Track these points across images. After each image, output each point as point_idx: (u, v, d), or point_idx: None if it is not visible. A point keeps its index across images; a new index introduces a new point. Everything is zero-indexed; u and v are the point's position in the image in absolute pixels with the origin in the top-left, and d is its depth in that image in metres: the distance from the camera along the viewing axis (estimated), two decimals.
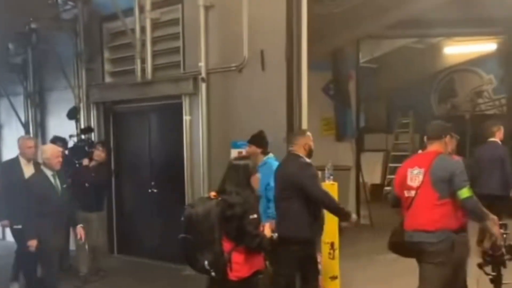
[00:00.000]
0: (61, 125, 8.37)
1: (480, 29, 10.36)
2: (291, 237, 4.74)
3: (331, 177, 5.81)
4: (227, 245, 4.00)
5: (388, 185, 12.87)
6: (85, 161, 7.01)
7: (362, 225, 9.43)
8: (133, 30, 7.50)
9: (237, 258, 4.02)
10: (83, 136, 7.73)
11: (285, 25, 6.15)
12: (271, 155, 5.82)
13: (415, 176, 4.34)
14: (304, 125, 6.19)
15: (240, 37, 6.44)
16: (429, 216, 4.22)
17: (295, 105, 6.17)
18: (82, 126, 8.20)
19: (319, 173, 7.24)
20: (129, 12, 7.48)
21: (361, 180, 10.09)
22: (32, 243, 5.39)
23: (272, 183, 5.45)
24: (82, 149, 7.37)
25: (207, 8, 6.74)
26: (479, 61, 12.68)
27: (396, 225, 4.55)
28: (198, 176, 6.96)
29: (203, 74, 6.80)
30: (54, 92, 9.00)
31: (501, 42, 11.26)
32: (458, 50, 12.54)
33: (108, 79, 8.34)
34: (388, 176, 12.97)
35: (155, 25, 7.39)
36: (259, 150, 5.77)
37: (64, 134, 7.66)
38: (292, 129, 6.12)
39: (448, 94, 13.47)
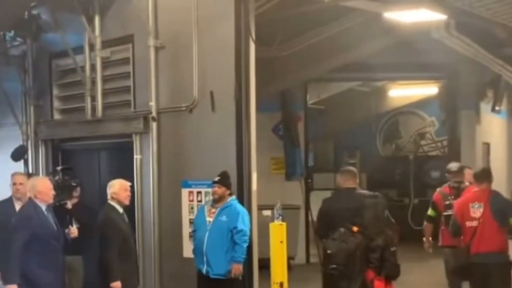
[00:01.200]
0: (7, 163, 8.16)
1: (422, 74, 10.85)
2: None
3: (280, 217, 5.87)
4: (370, 274, 4.87)
5: None
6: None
7: (311, 263, 9.49)
8: (83, 68, 7.48)
9: (378, 285, 4.88)
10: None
11: (234, 67, 6.28)
12: (234, 196, 5.83)
13: (476, 209, 5.64)
14: (253, 165, 6.28)
15: (190, 77, 6.53)
16: (497, 241, 5.51)
17: (244, 145, 6.26)
18: (30, 165, 8.02)
19: (269, 212, 7.33)
20: (79, 49, 7.49)
21: (310, 218, 10.20)
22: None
23: (239, 227, 5.46)
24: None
25: (157, 49, 6.82)
26: (421, 104, 13.21)
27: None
28: (149, 214, 6.89)
29: (154, 113, 6.83)
30: (1, 128, 8.81)
31: (442, 86, 11.79)
32: (402, 93, 13.05)
33: (57, 116, 8.25)
34: None
35: (106, 63, 7.41)
36: (228, 192, 5.77)
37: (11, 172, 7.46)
38: (242, 169, 6.20)
39: (393, 136, 13.91)
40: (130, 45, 7.21)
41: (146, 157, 6.97)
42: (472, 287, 5.86)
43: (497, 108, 12.80)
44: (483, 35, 9.10)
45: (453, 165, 6.93)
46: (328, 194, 14.05)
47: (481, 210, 5.61)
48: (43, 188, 5.17)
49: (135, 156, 7.09)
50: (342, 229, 4.97)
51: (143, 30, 6.84)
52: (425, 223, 6.77)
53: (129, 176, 7.07)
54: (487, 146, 12.84)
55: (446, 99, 11.64)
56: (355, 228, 4.89)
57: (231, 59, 6.27)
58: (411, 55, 9.71)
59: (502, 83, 12.41)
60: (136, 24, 6.98)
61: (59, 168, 7.06)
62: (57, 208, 5.75)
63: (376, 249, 4.90)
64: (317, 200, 11.78)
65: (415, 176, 12.86)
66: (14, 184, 6.05)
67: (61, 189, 6.16)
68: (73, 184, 6.38)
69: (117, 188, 5.43)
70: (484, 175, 5.94)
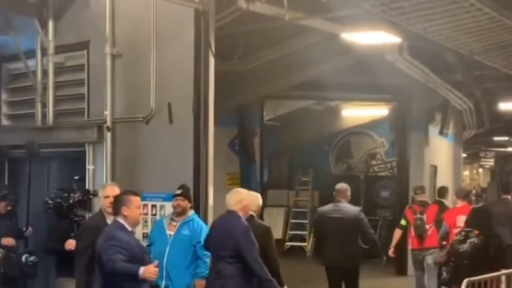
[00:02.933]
0: None
1: (375, 95, 11.08)
2: None
3: None
4: None
5: (290, 240, 13.07)
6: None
7: None
8: (34, 73, 7.25)
9: None
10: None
11: (192, 79, 6.23)
12: (193, 211, 5.69)
13: (462, 220, 6.76)
14: (210, 179, 6.20)
15: (148, 88, 6.43)
16: None
17: (202, 160, 6.19)
18: None
19: None
20: (31, 53, 7.25)
21: None
22: None
23: (203, 241, 5.28)
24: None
25: (114, 57, 6.68)
26: (372, 125, 13.48)
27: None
28: None
29: (108, 123, 6.66)
30: None
31: (393, 108, 12.07)
32: (354, 113, 13.29)
33: (5, 122, 7.95)
34: (289, 232, 13.16)
35: (59, 69, 7.18)
36: (190, 205, 5.60)
37: None
38: (199, 183, 6.11)
39: (345, 155, 14.12)
40: (85, 52, 7.02)
41: (99, 168, 6.78)
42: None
43: (444, 131, 13.21)
44: (434, 59, 9.40)
45: (419, 187, 8.61)
46: (281, 211, 14.07)
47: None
48: None
49: (87, 167, 6.88)
50: None
51: (99, 37, 6.69)
52: (396, 230, 8.26)
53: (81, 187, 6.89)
54: (434, 168, 13.19)
55: (396, 120, 11.91)
56: None
57: (190, 72, 6.21)
58: (365, 76, 9.91)
59: (450, 107, 12.84)
60: (93, 30, 6.82)
61: None
62: None
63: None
64: (270, 216, 11.84)
65: (365, 195, 13.06)
66: (107, 197, 5.08)
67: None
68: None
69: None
70: (464, 194, 7.89)
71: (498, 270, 5.61)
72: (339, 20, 6.93)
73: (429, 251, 7.88)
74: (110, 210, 4.80)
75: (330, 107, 13.20)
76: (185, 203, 5.56)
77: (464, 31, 6.98)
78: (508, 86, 11.37)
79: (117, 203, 4.45)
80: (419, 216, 7.94)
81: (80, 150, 6.96)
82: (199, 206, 6.02)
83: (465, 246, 5.74)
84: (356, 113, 13.24)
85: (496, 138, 20.58)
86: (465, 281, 5.05)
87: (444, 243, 7.31)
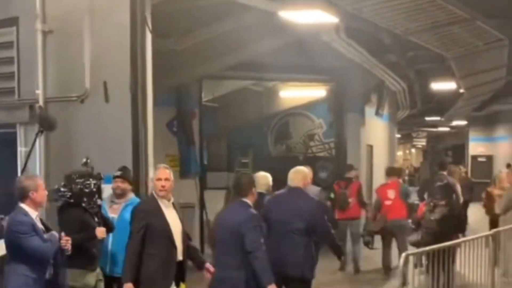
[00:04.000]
0: None
1: (312, 76, 11.22)
2: None
3: None
4: None
5: None
6: None
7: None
8: None
9: None
10: None
11: (129, 57, 6.09)
12: (133, 194, 5.55)
13: (391, 193, 8.84)
14: (150, 161, 6.11)
15: (82, 66, 6.24)
16: (403, 212, 8.71)
17: (141, 141, 6.08)
18: None
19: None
20: None
21: (204, 217, 10.15)
22: None
23: None
24: None
25: (45, 33, 6.43)
26: (310, 106, 13.66)
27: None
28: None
29: (41, 103, 6.44)
30: None
31: (330, 89, 12.28)
32: (292, 94, 13.41)
33: None
34: None
35: None
36: (130, 187, 5.48)
37: None
38: (138, 165, 6.00)
39: (283, 136, 14.25)
40: (14, 28, 6.73)
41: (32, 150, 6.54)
42: (384, 241, 8.95)
43: (380, 111, 13.60)
44: (369, 40, 9.62)
45: (347, 165, 10.02)
46: (222, 193, 14.12)
47: (394, 194, 8.79)
48: None
49: (19, 149, 6.64)
50: None
51: (29, 13, 6.42)
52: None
53: (12, 171, 6.64)
54: (370, 148, 13.58)
55: (333, 102, 12.13)
56: None
57: (126, 49, 6.08)
58: (302, 57, 10.02)
59: (385, 88, 13.22)
60: (22, 6, 6.56)
61: None
62: None
63: None
64: (211, 199, 11.85)
65: None
66: (159, 179, 4.85)
67: None
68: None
69: None
70: (393, 172, 9.37)
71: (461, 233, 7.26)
72: None
73: (351, 221, 9.04)
74: (162, 193, 4.83)
75: (268, 88, 13.27)
76: (125, 185, 5.45)
77: (399, 10, 7.19)
78: (440, 67, 11.82)
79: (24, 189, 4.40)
80: (342, 190, 9.12)
81: (10, 131, 6.69)
82: (139, 189, 5.94)
83: (435, 215, 6.77)
84: (295, 94, 13.38)
85: (427, 118, 21.39)
86: (403, 255, 5.37)
87: (377, 214, 8.85)
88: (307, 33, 8.37)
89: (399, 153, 31.97)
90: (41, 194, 4.47)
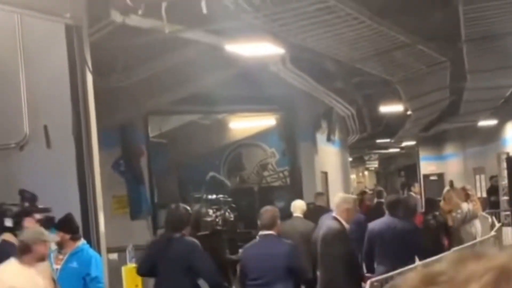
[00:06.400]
0: None
1: (260, 106, 11.30)
2: None
3: (134, 259, 5.58)
4: None
5: None
6: None
7: None
8: None
9: None
10: None
11: (70, 99, 5.94)
12: (83, 241, 5.40)
13: None
14: (100, 205, 5.93)
15: (19, 111, 6.03)
16: None
17: (88, 184, 5.90)
18: None
19: (115, 255, 6.92)
20: None
21: None
22: None
23: (93, 273, 5.05)
24: None
25: None
26: (262, 136, 13.68)
27: None
28: None
29: None
30: None
31: (280, 118, 12.37)
32: (242, 125, 13.42)
33: None
34: None
35: None
36: (67, 237, 5.34)
37: None
38: (87, 210, 5.82)
39: (236, 168, 14.18)
40: None
41: None
42: None
43: (331, 138, 13.78)
44: (316, 68, 9.78)
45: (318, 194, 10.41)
46: None
47: None
48: None
49: None
50: None
51: None
52: None
53: None
54: (325, 174, 13.69)
55: (284, 130, 12.21)
56: None
57: (67, 91, 5.92)
58: (250, 87, 10.08)
59: (334, 114, 13.43)
60: None
61: None
62: None
63: None
64: None
65: (260, 207, 13.16)
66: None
67: None
68: None
69: None
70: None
71: None
72: (221, 32, 6.98)
73: None
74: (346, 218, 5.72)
75: (217, 121, 13.23)
76: (60, 235, 5.34)
77: (342, 40, 7.32)
78: (387, 91, 12.12)
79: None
80: None
81: None
82: (89, 234, 5.75)
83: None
84: (245, 124, 13.39)
85: (378, 141, 21.84)
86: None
87: None
88: (254, 64, 8.43)
89: (353, 176, 32.41)
90: None
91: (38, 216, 5.13)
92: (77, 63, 5.89)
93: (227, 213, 8.06)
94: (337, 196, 6.10)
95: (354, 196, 7.54)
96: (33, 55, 6.02)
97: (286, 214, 10.14)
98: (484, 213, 12.53)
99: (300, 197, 11.49)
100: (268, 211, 5.50)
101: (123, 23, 6.09)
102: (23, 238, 4.59)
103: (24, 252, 4.45)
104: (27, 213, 5.11)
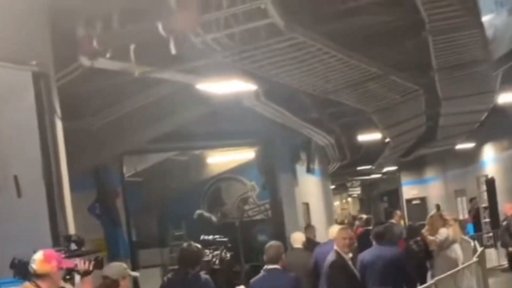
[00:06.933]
0: None
1: (237, 140, 11.30)
2: None
3: None
4: None
5: None
6: None
7: None
8: None
9: None
10: None
11: (39, 147, 5.88)
12: None
13: None
14: None
15: None
16: None
17: (62, 233, 5.81)
18: None
19: None
20: None
21: None
22: None
23: None
24: None
25: None
26: (241, 169, 13.66)
27: None
28: None
29: None
30: None
31: (258, 151, 12.37)
32: (221, 159, 13.40)
33: None
34: None
35: None
36: None
37: None
38: None
39: (217, 203, 14.10)
40: None
41: None
42: None
43: (311, 168, 13.81)
44: (291, 100, 9.85)
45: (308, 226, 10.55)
46: (156, 271, 13.62)
47: None
48: None
49: None
50: None
51: None
52: None
53: None
54: (306, 205, 13.67)
55: (263, 163, 12.21)
56: None
57: (35, 139, 5.85)
58: (226, 122, 10.10)
59: (312, 145, 13.49)
60: None
61: None
62: None
63: None
64: (145, 279, 11.39)
65: (243, 241, 13.09)
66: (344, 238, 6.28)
67: None
68: None
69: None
70: None
71: None
72: (193, 70, 7.01)
73: None
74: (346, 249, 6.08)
75: (195, 156, 13.20)
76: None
77: (314, 74, 7.41)
78: (363, 119, 12.22)
79: None
80: None
81: None
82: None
83: None
84: (223, 159, 13.37)
85: (359, 168, 21.96)
86: None
87: None
88: (228, 100, 8.46)
89: (336, 203, 32.45)
90: None
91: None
92: (46, 110, 5.83)
93: (223, 253, 8.14)
94: (334, 228, 6.73)
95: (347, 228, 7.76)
96: (0, 104, 5.95)
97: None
98: (466, 237, 12.60)
99: (282, 230, 11.44)
100: (272, 246, 5.74)
101: (91, 67, 6.09)
102: (109, 274, 4.66)
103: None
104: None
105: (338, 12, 6.62)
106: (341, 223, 16.88)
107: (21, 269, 5.01)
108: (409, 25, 7.27)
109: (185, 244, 6.14)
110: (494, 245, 15.80)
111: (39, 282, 4.25)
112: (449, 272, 7.94)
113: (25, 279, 4.87)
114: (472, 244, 12.35)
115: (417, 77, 9.18)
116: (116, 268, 4.70)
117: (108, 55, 6.14)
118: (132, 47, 6.02)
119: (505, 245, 12.43)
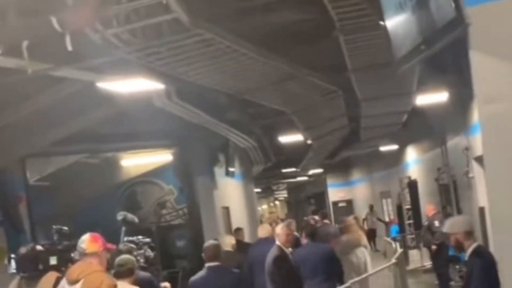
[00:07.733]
0: None
1: (152, 142, 11.07)
2: None
3: None
4: None
5: None
6: None
7: None
8: None
9: None
10: None
11: None
12: None
13: None
14: None
15: None
16: None
17: None
18: None
19: None
20: None
21: None
22: None
23: None
24: None
25: None
26: (158, 172, 13.40)
27: None
28: None
29: None
30: None
31: (175, 153, 12.18)
32: (135, 162, 13.08)
33: None
34: None
35: None
36: None
37: None
38: None
39: (133, 207, 13.76)
40: None
41: None
42: None
43: (230, 171, 13.73)
44: (206, 100, 9.72)
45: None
46: None
47: None
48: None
49: None
50: None
51: None
52: None
53: None
54: (226, 210, 13.58)
55: (180, 166, 12.03)
56: None
57: None
58: (139, 123, 9.84)
59: (231, 146, 13.43)
60: None
61: None
62: None
63: None
64: None
65: (160, 247, 12.84)
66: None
67: None
68: None
69: None
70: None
71: None
72: (94, 68, 6.76)
73: None
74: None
75: (107, 159, 12.82)
76: None
77: (226, 72, 7.34)
78: (284, 120, 12.29)
79: None
80: None
81: None
82: None
83: None
84: (139, 161, 13.06)
85: (284, 170, 22.15)
86: None
87: None
88: (137, 100, 8.24)
89: (264, 206, 32.65)
90: None
91: None
92: None
93: (147, 252, 8.09)
94: (278, 227, 7.11)
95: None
96: None
97: (187, 252, 9.97)
98: (389, 239, 12.89)
99: (200, 235, 11.31)
100: (211, 244, 5.96)
101: None
102: (124, 263, 5.16)
103: (128, 275, 5.03)
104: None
105: (248, 9, 6.59)
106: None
107: None
108: (323, 24, 7.33)
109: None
110: (416, 246, 16.30)
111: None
112: (363, 276, 8.11)
113: None
114: (394, 245, 12.70)
115: (334, 78, 9.30)
116: (129, 258, 5.22)
117: (0, 52, 5.82)
118: (24, 43, 5.73)
119: (427, 244, 12.75)
